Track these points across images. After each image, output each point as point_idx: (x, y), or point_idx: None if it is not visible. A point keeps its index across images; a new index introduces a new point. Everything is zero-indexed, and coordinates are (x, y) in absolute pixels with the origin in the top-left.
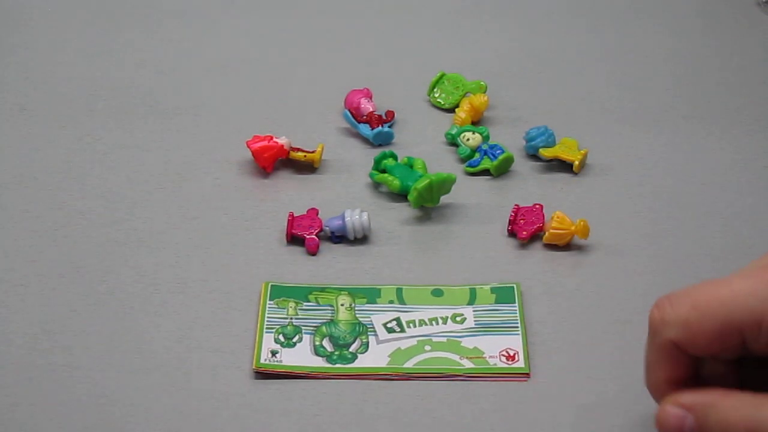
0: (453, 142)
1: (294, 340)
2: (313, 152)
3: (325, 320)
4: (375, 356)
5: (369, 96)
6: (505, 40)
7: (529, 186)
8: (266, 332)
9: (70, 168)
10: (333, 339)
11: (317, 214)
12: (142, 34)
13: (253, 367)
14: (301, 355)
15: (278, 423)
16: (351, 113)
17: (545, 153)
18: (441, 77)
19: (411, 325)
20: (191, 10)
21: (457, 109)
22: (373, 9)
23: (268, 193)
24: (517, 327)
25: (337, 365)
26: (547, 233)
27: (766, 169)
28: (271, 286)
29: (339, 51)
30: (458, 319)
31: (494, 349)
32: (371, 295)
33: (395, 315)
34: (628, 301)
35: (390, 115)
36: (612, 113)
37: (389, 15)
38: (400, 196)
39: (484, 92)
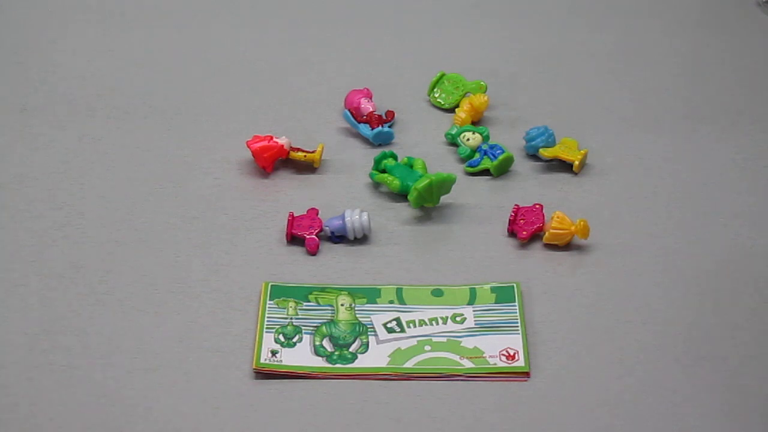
0: (453, 142)
1: (294, 340)
2: (313, 152)
3: (325, 320)
4: (375, 356)
5: (369, 96)
6: (505, 40)
7: (529, 186)
8: (266, 332)
9: (70, 168)
10: (333, 339)
11: (317, 214)
12: (142, 34)
13: (253, 367)
14: (301, 355)
15: (278, 423)
16: (351, 113)
17: (545, 153)
18: (441, 77)
19: (411, 325)
20: (191, 10)
21: (457, 109)
22: (373, 10)
23: (268, 193)
24: (517, 326)
25: (337, 365)
26: (547, 233)
27: (766, 168)
28: (271, 286)
29: (339, 51)
30: (458, 319)
31: (494, 348)
32: (371, 295)
33: (395, 315)
34: (628, 301)
35: (390, 115)
36: (612, 113)
37: (390, 16)
38: (400, 196)
39: (484, 92)
